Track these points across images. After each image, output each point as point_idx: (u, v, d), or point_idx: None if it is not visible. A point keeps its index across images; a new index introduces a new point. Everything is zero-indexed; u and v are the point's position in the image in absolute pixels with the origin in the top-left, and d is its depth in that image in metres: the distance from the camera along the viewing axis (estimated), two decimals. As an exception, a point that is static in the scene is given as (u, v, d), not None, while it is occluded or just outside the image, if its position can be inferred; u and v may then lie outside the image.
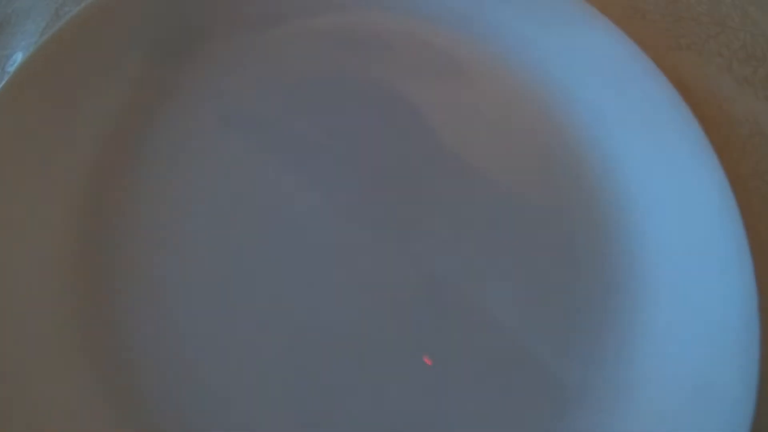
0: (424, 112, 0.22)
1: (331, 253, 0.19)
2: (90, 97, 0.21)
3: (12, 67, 0.25)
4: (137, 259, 0.19)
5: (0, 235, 0.18)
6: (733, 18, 0.26)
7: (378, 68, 0.23)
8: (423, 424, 0.17)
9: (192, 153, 0.21)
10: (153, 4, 0.23)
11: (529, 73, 0.23)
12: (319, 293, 0.18)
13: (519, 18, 0.23)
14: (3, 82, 0.20)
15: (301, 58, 0.23)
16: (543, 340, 0.18)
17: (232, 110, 0.22)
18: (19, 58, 0.25)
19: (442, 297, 0.19)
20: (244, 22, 0.24)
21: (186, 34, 0.24)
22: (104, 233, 0.19)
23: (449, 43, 0.24)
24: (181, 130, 0.22)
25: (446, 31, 0.24)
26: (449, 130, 0.22)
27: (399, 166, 0.21)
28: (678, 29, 0.25)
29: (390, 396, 0.17)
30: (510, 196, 0.21)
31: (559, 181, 0.21)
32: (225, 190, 0.20)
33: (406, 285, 0.19)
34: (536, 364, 0.18)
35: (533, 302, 0.19)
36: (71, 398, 0.16)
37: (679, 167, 0.19)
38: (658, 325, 0.18)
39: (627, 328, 0.18)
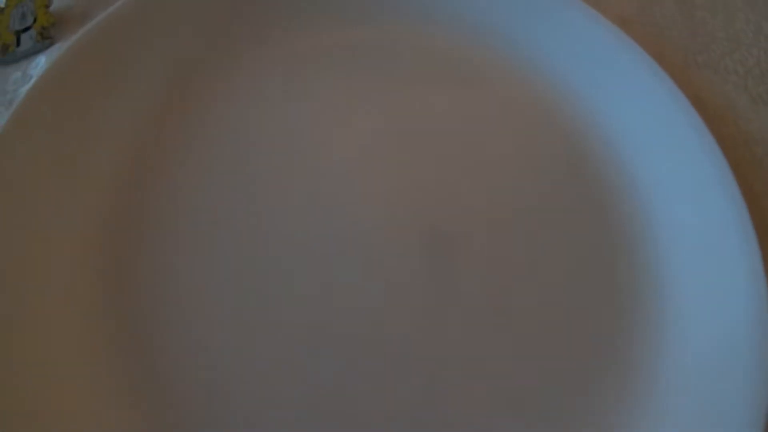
0: (437, 122, 0.23)
1: (350, 257, 0.20)
2: (115, 103, 0.22)
3: (35, 70, 0.25)
4: (163, 258, 0.19)
5: (28, 232, 0.18)
6: (747, 34, 0.27)
7: (390, 78, 0.23)
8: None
9: (224, 154, 0.22)
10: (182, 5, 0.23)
11: (545, 84, 0.23)
12: (338, 295, 0.19)
13: (536, 30, 0.23)
14: (28, 85, 0.21)
15: (311, 73, 0.24)
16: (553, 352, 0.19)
17: (259, 116, 0.23)
18: (42, 62, 0.25)
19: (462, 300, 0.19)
20: (263, 34, 0.24)
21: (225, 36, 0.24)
22: (131, 231, 0.20)
23: (467, 54, 0.24)
24: (214, 131, 0.22)
25: (463, 42, 0.24)
26: (462, 142, 0.22)
27: (413, 176, 0.21)
28: (694, 46, 0.25)
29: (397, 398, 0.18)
30: (523, 206, 0.21)
31: (573, 191, 0.21)
32: (255, 194, 0.21)
33: (420, 291, 0.19)
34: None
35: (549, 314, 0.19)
36: (94, 397, 0.17)
37: (696, 185, 0.20)
38: (676, 333, 0.19)
39: (647, 335, 0.19)
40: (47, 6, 0.26)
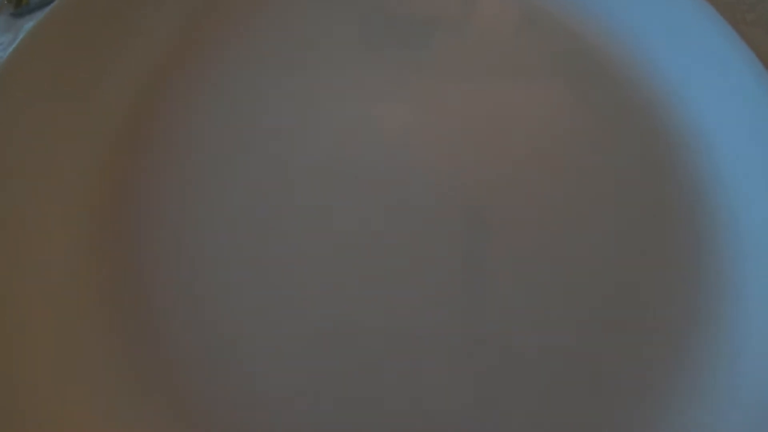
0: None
1: (387, 243, 0.18)
2: (122, 48, 0.21)
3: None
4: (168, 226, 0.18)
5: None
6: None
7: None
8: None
9: (230, 107, 0.20)
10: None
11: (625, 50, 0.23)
12: (370, 283, 0.18)
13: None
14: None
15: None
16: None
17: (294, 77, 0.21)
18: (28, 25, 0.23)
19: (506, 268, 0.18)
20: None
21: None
22: (130, 194, 0.19)
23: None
24: (218, 81, 0.21)
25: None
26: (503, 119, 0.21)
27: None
28: (742, 5, 0.24)
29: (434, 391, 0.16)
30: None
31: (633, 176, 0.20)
32: (263, 153, 0.20)
33: (458, 276, 0.18)
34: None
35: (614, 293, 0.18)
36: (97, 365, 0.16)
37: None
38: (754, 304, 0.18)
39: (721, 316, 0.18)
40: (61, -43, 0.24)
